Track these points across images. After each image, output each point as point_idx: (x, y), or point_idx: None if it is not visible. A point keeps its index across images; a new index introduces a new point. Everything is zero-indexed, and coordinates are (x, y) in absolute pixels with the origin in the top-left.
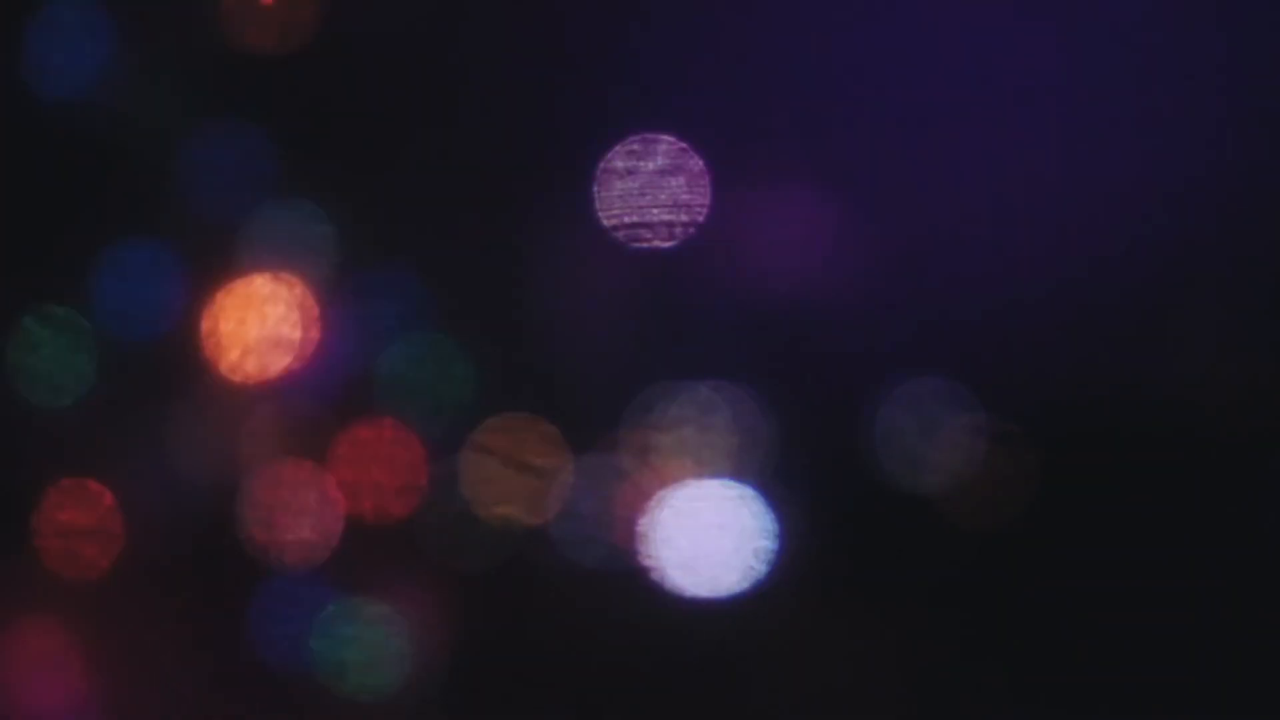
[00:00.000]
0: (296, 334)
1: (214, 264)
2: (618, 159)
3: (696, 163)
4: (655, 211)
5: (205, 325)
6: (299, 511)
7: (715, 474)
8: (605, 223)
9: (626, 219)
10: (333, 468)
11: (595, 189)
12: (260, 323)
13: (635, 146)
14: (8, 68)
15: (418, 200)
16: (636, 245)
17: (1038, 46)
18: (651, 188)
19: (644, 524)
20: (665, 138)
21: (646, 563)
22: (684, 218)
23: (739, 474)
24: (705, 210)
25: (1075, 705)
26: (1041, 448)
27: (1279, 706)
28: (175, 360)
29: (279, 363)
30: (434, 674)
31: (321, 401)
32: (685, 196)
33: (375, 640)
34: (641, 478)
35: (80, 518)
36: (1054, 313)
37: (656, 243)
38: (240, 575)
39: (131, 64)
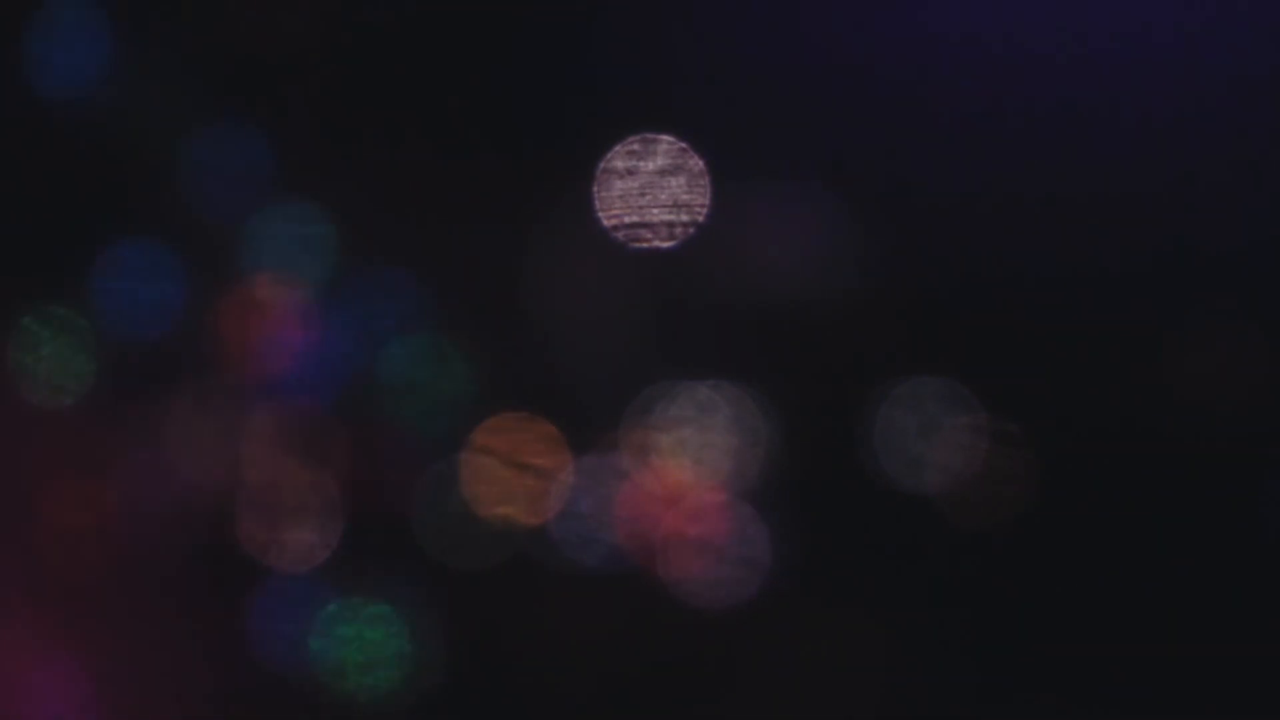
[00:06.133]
0: (295, 335)
1: (214, 264)
2: (618, 159)
3: (696, 163)
4: (655, 211)
5: (206, 327)
6: (299, 511)
7: (715, 474)
8: (605, 223)
9: (626, 219)
10: (333, 468)
11: (595, 189)
12: (260, 324)
13: (635, 146)
14: (8, 68)
15: (418, 200)
16: (636, 245)
17: (1037, 45)
18: (651, 188)
19: (644, 524)
20: (665, 138)
21: (647, 563)
22: (684, 218)
23: (739, 474)
24: (705, 210)
25: (1075, 705)
26: (1041, 448)
27: (1279, 706)
28: (175, 360)
29: (278, 363)
30: (434, 674)
31: (322, 401)
32: (685, 196)
33: (375, 640)
34: (641, 478)
35: (80, 518)
36: (1054, 313)
37: (656, 243)
38: (240, 575)
39: (132, 63)
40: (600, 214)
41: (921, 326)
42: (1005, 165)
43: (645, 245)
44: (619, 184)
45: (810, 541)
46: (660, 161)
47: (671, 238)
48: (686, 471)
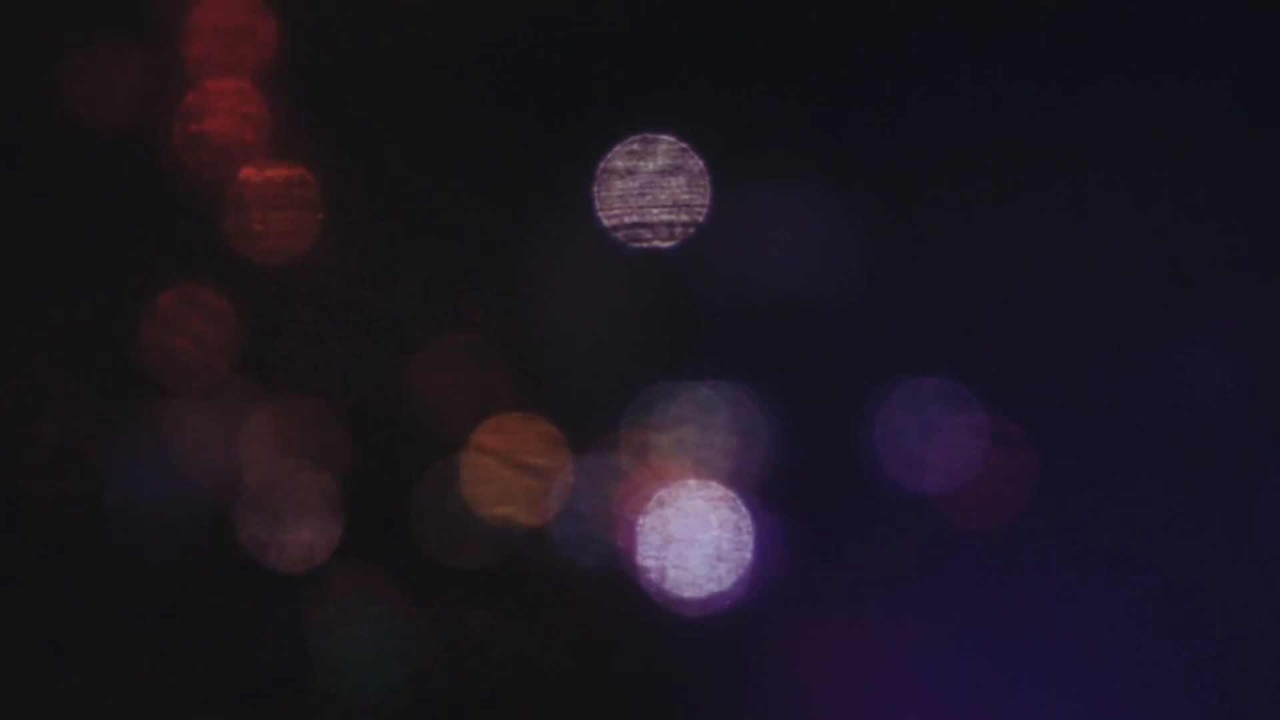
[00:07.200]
0: (295, 334)
1: (214, 264)
2: (618, 159)
3: (696, 163)
4: (655, 211)
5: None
6: (299, 511)
7: (714, 474)
8: (605, 223)
9: (626, 219)
10: (333, 468)
11: (595, 189)
12: (258, 324)
13: (635, 146)
14: (8, 68)
15: (418, 200)
16: (636, 245)
17: (1036, 44)
18: (651, 188)
19: (643, 524)
20: (665, 138)
21: (646, 563)
22: (684, 218)
23: (738, 474)
24: (705, 210)
25: (1074, 705)
26: (1041, 448)
27: (1278, 705)
28: (176, 360)
29: (277, 363)
30: (434, 674)
31: (322, 401)
32: (685, 196)
33: (375, 640)
34: (641, 478)
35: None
36: (1054, 313)
37: (656, 243)
38: (240, 575)
39: (132, 64)
40: (600, 214)
41: (921, 326)
42: (1005, 165)
43: (645, 245)
44: (619, 184)
45: (810, 541)
46: (660, 161)
47: (671, 238)
48: (686, 471)
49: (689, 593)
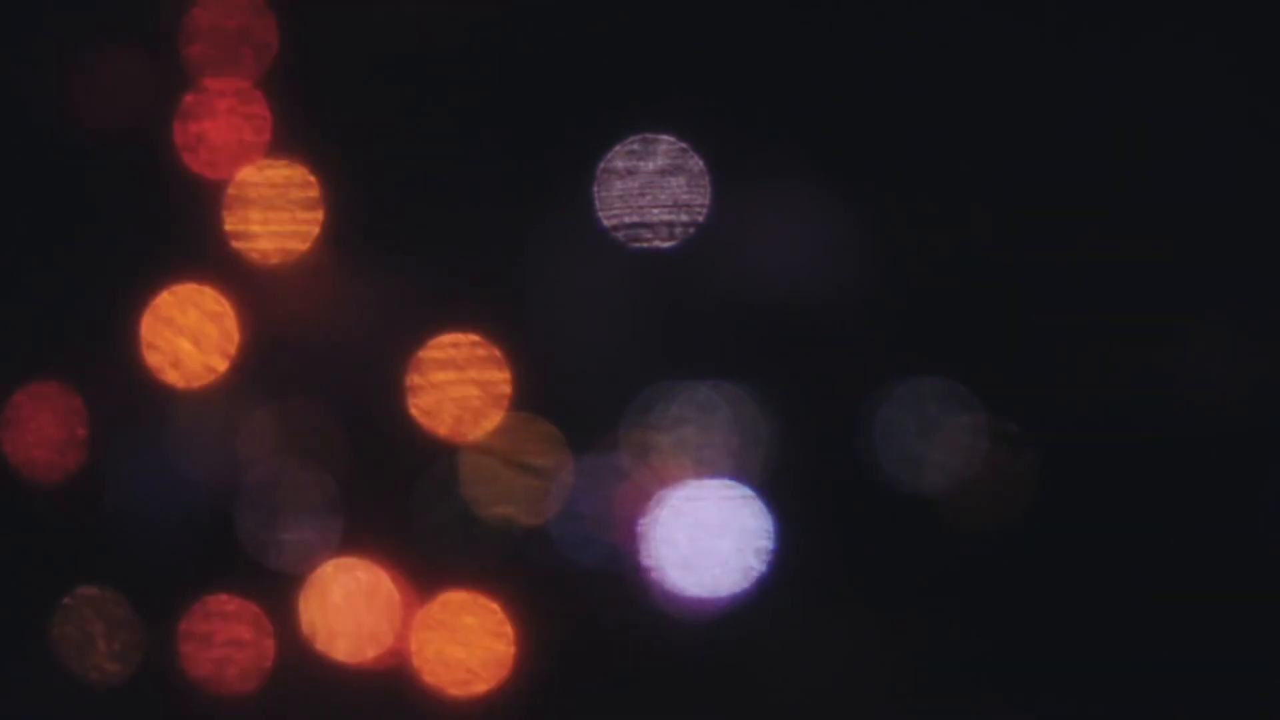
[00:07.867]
0: (294, 334)
1: (213, 263)
2: (618, 159)
3: (696, 163)
4: (655, 211)
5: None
6: (299, 511)
7: (715, 474)
8: (605, 223)
9: (626, 219)
10: (333, 468)
11: (595, 189)
12: (258, 324)
13: (635, 146)
14: (7, 68)
15: (418, 199)
16: (636, 245)
17: (1038, 45)
18: (651, 188)
19: (644, 524)
20: (665, 138)
21: (646, 563)
22: (684, 218)
23: (739, 474)
24: (705, 210)
25: (1074, 705)
26: (1041, 448)
27: (1277, 705)
28: (175, 359)
29: (278, 363)
30: (433, 674)
31: (321, 401)
32: (685, 196)
33: (375, 640)
34: (641, 478)
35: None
36: (1054, 311)
37: (656, 243)
38: (240, 575)
39: (131, 63)
40: (600, 214)
41: (921, 326)
42: (1005, 164)
43: (645, 245)
44: (619, 184)
45: (810, 542)
46: (660, 161)
47: (671, 238)
48: (686, 471)
49: (689, 593)
